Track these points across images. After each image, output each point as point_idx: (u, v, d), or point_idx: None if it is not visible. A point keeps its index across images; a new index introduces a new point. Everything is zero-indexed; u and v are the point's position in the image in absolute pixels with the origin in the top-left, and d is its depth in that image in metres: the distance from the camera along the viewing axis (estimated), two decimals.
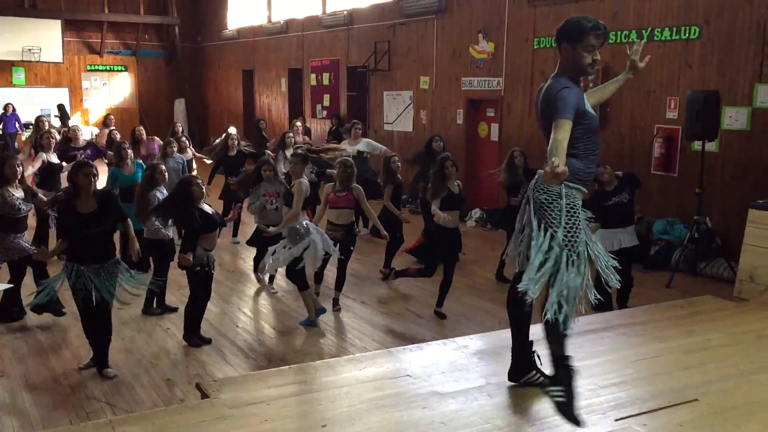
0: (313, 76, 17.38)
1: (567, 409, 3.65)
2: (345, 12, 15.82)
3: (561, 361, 3.72)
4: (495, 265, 8.24)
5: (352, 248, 7.10)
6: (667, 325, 5.47)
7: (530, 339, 4.12)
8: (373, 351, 5.75)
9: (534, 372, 4.14)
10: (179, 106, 22.81)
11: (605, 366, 4.61)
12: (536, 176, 3.85)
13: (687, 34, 8.91)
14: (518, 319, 4.09)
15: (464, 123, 12.76)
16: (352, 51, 15.79)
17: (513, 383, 4.22)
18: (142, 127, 11.35)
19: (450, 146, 12.66)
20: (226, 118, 22.17)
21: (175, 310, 7.01)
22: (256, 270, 8.09)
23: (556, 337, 3.71)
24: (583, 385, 4.27)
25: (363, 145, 10.76)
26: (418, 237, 8.15)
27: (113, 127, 12.52)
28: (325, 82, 16.91)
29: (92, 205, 5.44)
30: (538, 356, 4.12)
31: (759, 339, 5.09)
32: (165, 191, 6.97)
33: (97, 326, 5.55)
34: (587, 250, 3.72)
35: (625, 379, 4.39)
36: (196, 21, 23.22)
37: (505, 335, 5.36)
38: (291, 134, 11.05)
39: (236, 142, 10.36)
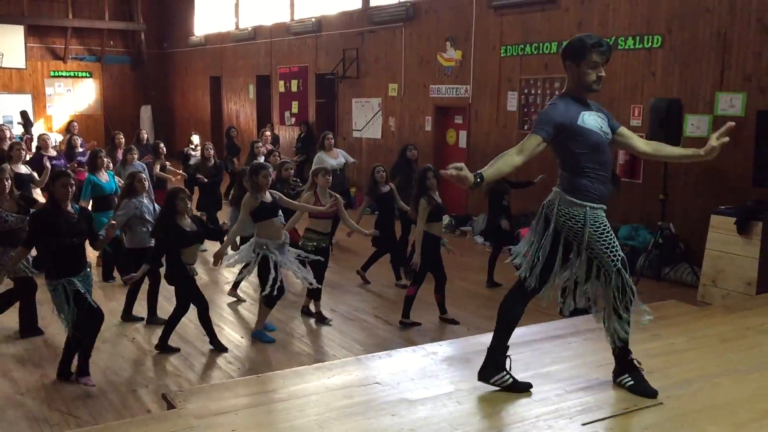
0: (282, 83, 17.32)
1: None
2: (313, 19, 15.81)
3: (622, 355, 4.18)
4: (465, 270, 8.28)
5: (327, 258, 7.07)
6: (633, 329, 5.52)
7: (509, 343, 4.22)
8: (342, 359, 5.73)
9: (504, 373, 4.20)
10: (145, 112, 22.56)
11: (572, 371, 4.64)
12: (553, 197, 3.96)
13: (650, 44, 9.08)
14: (510, 323, 4.24)
15: (433, 130, 12.82)
16: (321, 58, 15.78)
17: (482, 384, 4.24)
18: (121, 133, 11.23)
19: (419, 153, 12.73)
20: (194, 125, 21.97)
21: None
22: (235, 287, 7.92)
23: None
24: (550, 390, 4.31)
25: (342, 156, 10.70)
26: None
27: (76, 134, 12.34)
28: (294, 89, 16.87)
29: (72, 214, 5.38)
30: (510, 359, 4.21)
31: (722, 342, 5.18)
32: (146, 200, 7.02)
33: (90, 332, 5.46)
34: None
35: (592, 383, 4.43)
36: (163, 27, 23.00)
37: (475, 341, 5.39)
38: (260, 144, 11.00)
39: (211, 151, 10.37)
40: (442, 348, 5.15)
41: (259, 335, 6.53)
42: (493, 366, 4.21)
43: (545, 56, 10.47)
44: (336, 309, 7.44)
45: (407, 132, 13.37)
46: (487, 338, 5.43)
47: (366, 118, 14.52)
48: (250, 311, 7.47)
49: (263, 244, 6.30)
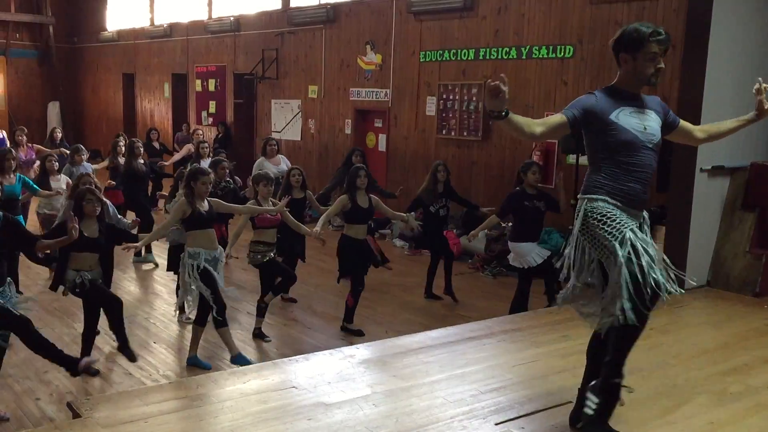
0: (199, 82, 16.97)
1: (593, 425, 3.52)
2: (231, 18, 15.57)
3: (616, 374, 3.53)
4: (383, 275, 8.25)
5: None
6: (544, 330, 5.70)
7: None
8: (258, 363, 5.64)
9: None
10: (53, 109, 21.63)
11: (486, 372, 4.73)
12: (581, 203, 3.63)
13: (562, 53, 9.39)
14: (598, 358, 3.71)
15: (352, 133, 12.84)
16: (239, 58, 15.55)
17: (398, 386, 4.25)
18: (24, 130, 10.63)
19: (338, 156, 12.73)
20: (105, 123, 21.26)
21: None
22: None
23: (626, 343, 3.50)
24: (465, 391, 4.38)
25: (284, 163, 9.88)
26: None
27: None
28: (211, 88, 16.56)
29: None
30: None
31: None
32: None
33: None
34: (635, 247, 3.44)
35: (505, 384, 4.53)
36: (73, 21, 22.14)
37: (391, 344, 5.42)
38: (206, 144, 10.36)
39: (141, 149, 9.68)
40: (360, 351, 5.16)
41: (194, 361, 5.95)
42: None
43: (463, 62, 10.67)
44: (252, 312, 7.32)
45: (327, 134, 13.35)
46: (403, 341, 5.49)
47: (285, 120, 14.40)
48: (172, 321, 7.26)
49: (195, 254, 5.75)
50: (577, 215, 3.63)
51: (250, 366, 5.18)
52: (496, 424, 3.95)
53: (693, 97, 6.77)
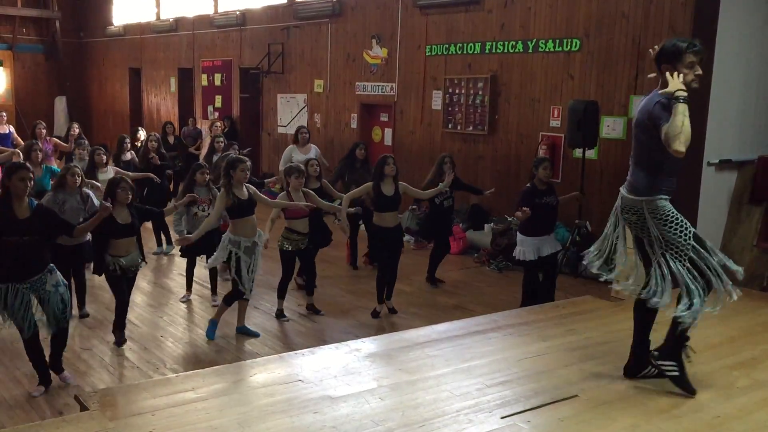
0: (205, 76, 16.97)
1: (681, 380, 4.24)
2: (237, 12, 15.55)
3: (682, 342, 4.26)
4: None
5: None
6: (550, 324, 5.70)
7: (649, 339, 4.47)
8: (264, 357, 5.66)
9: (650, 367, 4.43)
10: (60, 104, 21.66)
11: (492, 366, 4.74)
12: (631, 199, 4.19)
13: (569, 47, 9.35)
14: (645, 322, 4.44)
15: (358, 127, 12.83)
16: (245, 52, 15.54)
17: (404, 379, 4.26)
18: (43, 123, 10.62)
19: (344, 150, 12.67)
20: (111, 118, 21.31)
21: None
22: (190, 286, 7.61)
23: (683, 329, 4.20)
24: (471, 385, 4.39)
25: (314, 152, 9.79)
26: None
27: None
28: (217, 82, 16.55)
29: (26, 211, 4.95)
30: (652, 353, 4.43)
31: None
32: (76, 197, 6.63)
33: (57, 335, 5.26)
34: (695, 252, 4.11)
35: (511, 377, 4.53)
36: (79, 15, 22.14)
37: (397, 337, 5.43)
38: (221, 139, 10.24)
39: (156, 144, 9.68)
40: (366, 345, 5.17)
41: (211, 328, 6.42)
42: (640, 362, 4.47)
43: (469, 56, 10.63)
44: (260, 307, 7.34)
45: (333, 129, 13.34)
46: (409, 335, 5.50)
47: (291, 114, 14.39)
48: (180, 313, 7.29)
49: (237, 242, 6.10)
50: (634, 212, 4.16)
51: (257, 360, 5.20)
52: (502, 418, 3.96)
53: (701, 90, 6.74)
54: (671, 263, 4.10)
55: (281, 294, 7.02)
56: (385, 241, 7.00)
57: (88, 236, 6.45)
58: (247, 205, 6.15)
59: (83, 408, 4.02)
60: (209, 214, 7.06)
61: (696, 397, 4.27)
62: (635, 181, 4.19)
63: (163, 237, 9.65)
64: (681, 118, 3.74)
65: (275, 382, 4.44)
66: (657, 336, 4.45)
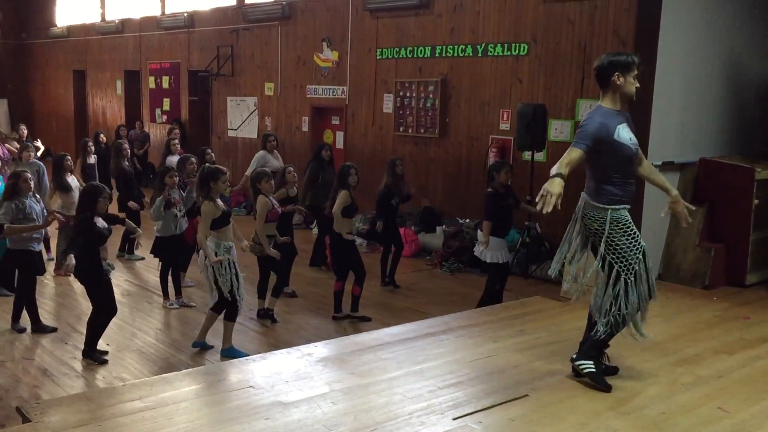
0: (152, 78, 16.68)
1: (596, 376, 4.38)
2: (185, 14, 15.34)
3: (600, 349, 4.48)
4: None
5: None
6: (501, 325, 5.76)
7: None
8: (215, 363, 5.58)
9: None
10: (1, 107, 21.03)
11: (444, 367, 4.76)
12: (582, 201, 4.47)
13: (517, 51, 9.48)
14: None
15: (309, 130, 12.78)
16: (194, 54, 15.34)
17: (356, 383, 4.24)
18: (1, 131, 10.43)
19: (296, 153, 12.66)
20: (55, 121, 20.77)
21: (54, 330, 6.56)
22: (166, 288, 7.45)
23: (597, 347, 4.45)
24: (423, 387, 4.40)
25: (278, 157, 10.14)
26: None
27: None
28: (165, 85, 16.29)
29: None
30: (572, 357, 4.57)
31: (581, 335, 5.47)
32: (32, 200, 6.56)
33: None
34: (641, 266, 4.31)
35: (462, 379, 4.56)
36: (20, 16, 21.54)
37: (348, 341, 5.41)
38: (176, 141, 10.54)
39: (128, 151, 9.75)
40: (318, 349, 5.14)
41: (231, 352, 5.92)
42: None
43: (419, 60, 10.69)
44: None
45: (284, 132, 13.25)
46: (361, 338, 5.49)
47: (241, 117, 14.25)
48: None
49: (228, 249, 5.89)
50: (596, 222, 4.35)
51: (207, 366, 5.12)
52: (454, 419, 3.97)
53: (644, 94, 6.90)
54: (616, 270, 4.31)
55: (261, 294, 7.07)
56: (353, 246, 7.02)
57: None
58: (228, 213, 6.02)
59: (25, 420, 3.89)
60: (184, 214, 7.40)
61: (642, 394, 4.37)
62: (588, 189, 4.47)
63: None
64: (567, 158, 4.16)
65: (226, 389, 4.38)
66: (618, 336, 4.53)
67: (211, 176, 5.91)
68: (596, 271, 4.39)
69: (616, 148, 4.22)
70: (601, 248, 4.30)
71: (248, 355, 5.68)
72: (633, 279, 4.27)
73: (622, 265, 4.27)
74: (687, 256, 7.40)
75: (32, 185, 6.57)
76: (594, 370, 4.40)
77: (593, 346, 4.45)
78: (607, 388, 4.36)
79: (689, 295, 6.94)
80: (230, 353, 5.88)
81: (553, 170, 4.05)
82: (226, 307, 5.92)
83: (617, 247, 4.28)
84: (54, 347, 6.18)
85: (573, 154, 4.16)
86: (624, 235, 4.28)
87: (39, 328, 6.50)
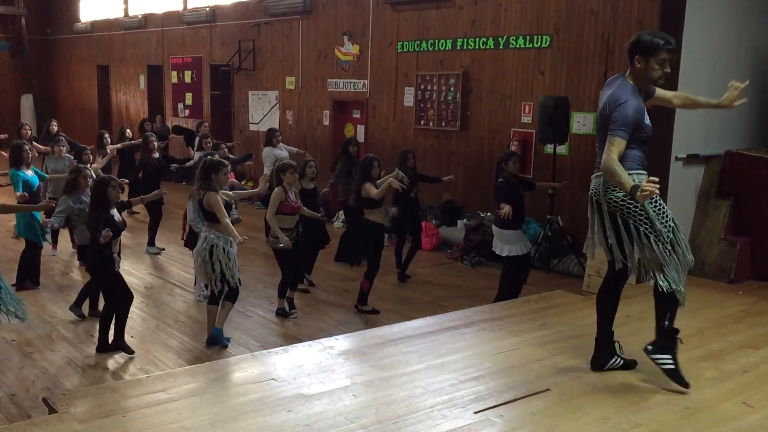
0: (174, 73, 16.80)
1: (676, 374, 4.26)
2: (207, 9, 15.41)
3: (671, 332, 4.29)
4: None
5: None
6: (522, 319, 5.74)
7: (613, 329, 4.55)
8: (237, 356, 5.63)
9: (615, 358, 4.54)
10: (26, 102, 21.30)
11: (466, 361, 4.76)
12: (596, 182, 4.31)
13: (539, 43, 9.40)
14: (607, 311, 4.53)
15: (331, 124, 12.80)
16: (216, 49, 15.41)
17: (377, 376, 4.26)
18: (28, 125, 10.60)
19: (317, 147, 12.69)
20: (79, 116, 21.00)
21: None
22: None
23: (671, 310, 4.28)
24: (444, 380, 4.40)
25: (285, 150, 10.61)
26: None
27: None
28: (187, 80, 16.39)
29: None
30: (619, 345, 4.58)
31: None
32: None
33: None
34: (674, 232, 4.17)
35: (484, 372, 4.55)
36: (45, 12, 21.79)
37: (370, 334, 5.43)
38: (208, 138, 10.53)
39: (156, 144, 9.74)
40: (339, 342, 5.16)
41: (217, 333, 6.09)
42: (605, 353, 4.53)
43: (440, 53, 10.65)
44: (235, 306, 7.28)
45: (305, 126, 13.29)
46: (383, 331, 5.50)
47: (263, 111, 14.30)
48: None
49: (228, 241, 5.96)
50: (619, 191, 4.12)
51: (230, 359, 5.16)
52: (476, 413, 3.97)
53: (668, 86, 6.83)
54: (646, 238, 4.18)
55: (281, 293, 6.99)
56: (379, 236, 7.06)
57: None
58: (228, 206, 6.15)
59: (52, 411, 3.95)
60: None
61: (665, 389, 4.33)
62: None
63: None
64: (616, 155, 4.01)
65: (248, 381, 4.42)
66: (635, 330, 4.49)
67: (212, 169, 5.99)
68: (636, 243, 4.20)
69: (643, 128, 4.18)
70: (630, 221, 4.16)
71: (228, 344, 6.01)
72: (670, 247, 4.14)
73: (657, 234, 4.12)
74: (712, 250, 7.32)
75: (90, 182, 6.62)
76: (674, 366, 4.28)
77: (666, 335, 4.30)
78: (687, 386, 4.27)
79: (714, 289, 6.87)
80: (217, 334, 6.06)
81: (627, 184, 3.90)
82: (230, 293, 6.03)
83: (645, 215, 4.12)
84: (80, 339, 6.26)
85: (620, 145, 4.03)
86: (649, 203, 4.10)
87: (95, 313, 6.66)
